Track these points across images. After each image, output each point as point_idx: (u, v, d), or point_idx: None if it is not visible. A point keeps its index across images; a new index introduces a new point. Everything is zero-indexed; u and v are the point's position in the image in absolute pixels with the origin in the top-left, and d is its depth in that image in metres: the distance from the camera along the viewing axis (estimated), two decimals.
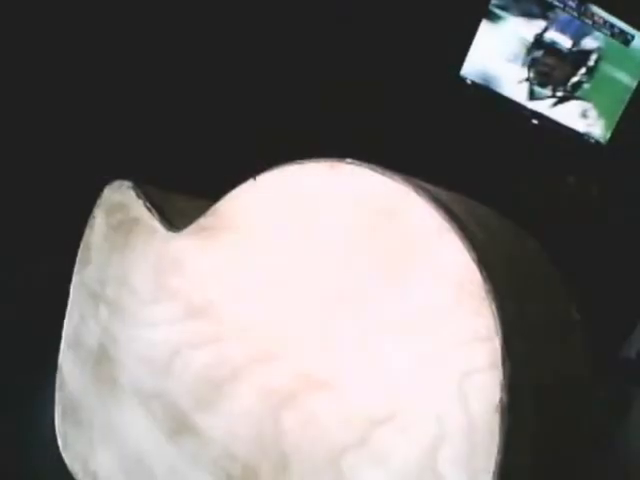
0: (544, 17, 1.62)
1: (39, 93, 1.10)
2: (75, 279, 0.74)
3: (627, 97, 1.74)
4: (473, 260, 0.36)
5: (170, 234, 0.63)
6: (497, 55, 1.61)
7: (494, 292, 0.35)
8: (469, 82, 1.61)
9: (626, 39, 1.70)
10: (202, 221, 0.59)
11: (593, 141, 1.75)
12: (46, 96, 1.11)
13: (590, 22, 1.66)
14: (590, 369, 0.45)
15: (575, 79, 1.69)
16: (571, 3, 1.63)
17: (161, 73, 1.23)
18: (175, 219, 0.67)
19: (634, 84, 1.73)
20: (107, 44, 1.15)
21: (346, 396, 0.46)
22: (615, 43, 1.70)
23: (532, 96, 1.67)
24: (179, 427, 0.59)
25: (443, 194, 0.43)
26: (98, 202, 0.74)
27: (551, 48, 1.65)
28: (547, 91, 1.68)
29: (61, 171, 1.09)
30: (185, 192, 0.74)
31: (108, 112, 1.16)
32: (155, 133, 1.21)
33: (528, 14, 1.61)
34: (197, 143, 1.26)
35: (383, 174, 0.45)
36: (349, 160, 0.47)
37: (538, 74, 1.66)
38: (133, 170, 0.74)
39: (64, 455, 0.73)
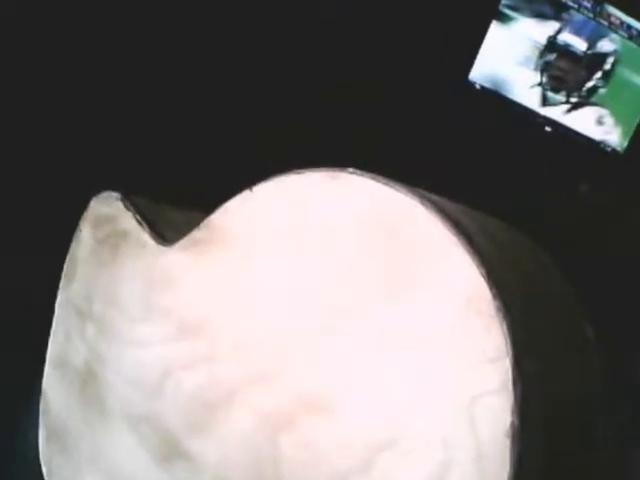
0: (557, 18, 1.63)
1: (22, 102, 1.11)
2: (61, 296, 0.75)
3: None
4: (482, 275, 0.36)
5: (161, 248, 0.63)
6: (507, 58, 1.62)
7: (504, 310, 0.35)
8: (478, 87, 1.62)
9: None
10: (195, 234, 0.59)
11: (609, 149, 1.75)
12: (29, 105, 1.11)
13: (606, 23, 1.67)
14: (604, 389, 0.45)
15: (590, 84, 1.70)
16: (586, 3, 1.64)
17: (150, 74, 1.23)
18: (167, 232, 0.67)
19: None
20: (95, 46, 1.15)
21: (347, 419, 0.46)
22: (633, 46, 1.70)
23: (545, 102, 1.67)
24: (170, 452, 0.59)
25: (450, 206, 0.43)
26: (84, 214, 0.74)
27: (565, 51, 1.65)
28: (561, 97, 1.68)
29: (45, 182, 1.10)
30: (178, 202, 0.75)
31: (93, 118, 1.16)
32: (144, 138, 1.22)
33: (540, 15, 1.62)
34: (190, 148, 1.27)
35: (387, 185, 0.45)
36: (351, 170, 0.47)
37: (551, 79, 1.66)
38: (121, 180, 0.74)
39: None
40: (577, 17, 1.63)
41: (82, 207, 0.74)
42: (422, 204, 0.41)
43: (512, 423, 0.33)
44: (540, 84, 1.65)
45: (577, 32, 1.64)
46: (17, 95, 1.10)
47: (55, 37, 1.11)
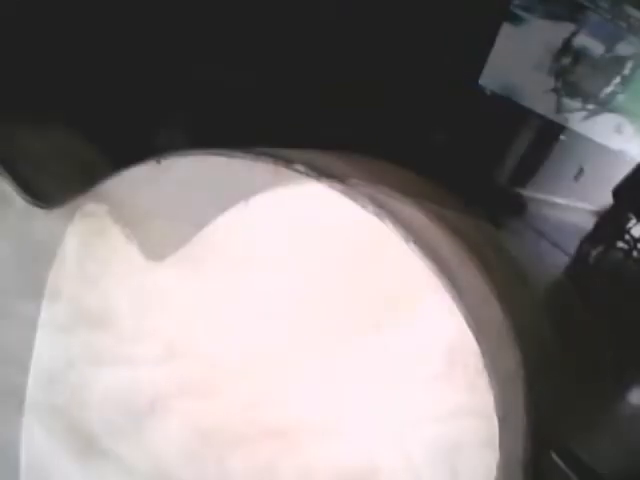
0: (573, 19, 1.63)
1: None
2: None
3: None
4: (469, 326, 0.36)
5: (34, 210, 0.63)
6: (520, 62, 1.62)
7: (492, 366, 0.35)
8: (488, 92, 1.62)
9: None
10: (83, 203, 0.60)
11: (628, 159, 1.75)
12: None
13: (625, 25, 1.67)
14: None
15: (608, 89, 1.69)
16: (603, 4, 1.64)
17: (145, 76, 1.24)
18: (155, 245, 0.67)
19: None
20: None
21: (308, 450, 0.46)
22: None
23: (560, 108, 1.67)
24: (87, 449, 0.60)
25: (431, 228, 0.43)
26: (69, 228, 0.74)
27: (581, 54, 1.65)
28: (576, 103, 1.68)
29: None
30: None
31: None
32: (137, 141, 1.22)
33: (555, 16, 1.62)
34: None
35: (350, 197, 0.45)
36: (300, 167, 0.47)
37: (566, 84, 1.66)
38: None
39: None
40: (594, 18, 1.63)
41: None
42: (394, 228, 0.40)
43: (497, 478, 0.34)
44: (554, 89, 1.65)
45: (594, 34, 1.64)
46: None
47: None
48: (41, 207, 0.61)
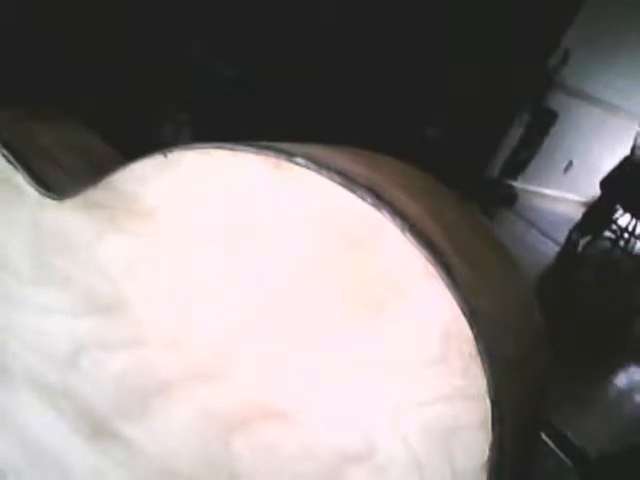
0: None
1: None
2: None
3: None
4: (463, 314, 0.36)
5: (47, 201, 0.63)
6: None
7: (486, 352, 0.35)
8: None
9: None
10: (93, 194, 0.59)
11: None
12: None
13: None
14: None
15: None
16: None
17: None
18: (43, 167, 0.65)
19: None
20: None
21: (309, 429, 0.47)
22: None
23: None
24: (98, 431, 0.61)
25: (426, 218, 0.43)
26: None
27: None
28: None
29: None
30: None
31: None
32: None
33: None
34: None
35: (350, 189, 0.45)
36: (300, 160, 0.47)
37: None
38: None
39: None
40: None
41: None
42: (392, 221, 0.40)
43: (489, 459, 0.34)
44: None
45: None
46: None
47: None
48: (53, 198, 0.61)
